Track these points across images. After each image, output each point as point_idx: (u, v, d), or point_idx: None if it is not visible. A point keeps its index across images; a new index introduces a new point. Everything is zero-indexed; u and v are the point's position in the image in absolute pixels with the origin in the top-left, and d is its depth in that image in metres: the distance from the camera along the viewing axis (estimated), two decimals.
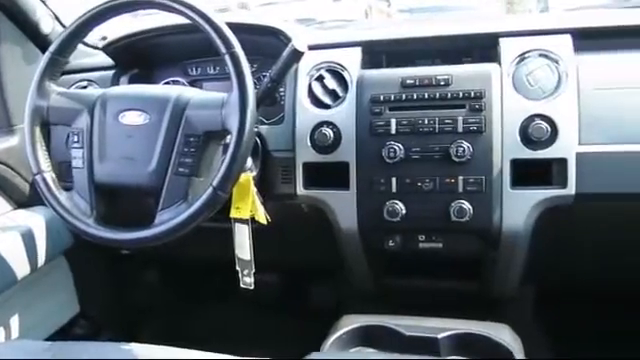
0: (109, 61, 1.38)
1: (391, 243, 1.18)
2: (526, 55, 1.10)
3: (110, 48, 1.33)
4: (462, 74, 1.11)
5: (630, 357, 1.42)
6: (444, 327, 0.98)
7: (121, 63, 1.37)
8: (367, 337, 1.02)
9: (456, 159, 1.08)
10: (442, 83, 1.11)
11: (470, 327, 0.98)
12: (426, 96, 1.11)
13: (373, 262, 1.24)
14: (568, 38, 1.11)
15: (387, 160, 1.11)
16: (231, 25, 0.98)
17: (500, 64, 1.11)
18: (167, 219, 0.96)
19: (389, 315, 1.06)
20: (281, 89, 1.22)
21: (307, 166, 1.18)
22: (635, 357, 1.42)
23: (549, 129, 1.05)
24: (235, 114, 0.93)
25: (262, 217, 1.11)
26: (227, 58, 0.95)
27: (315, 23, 1.91)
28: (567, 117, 1.06)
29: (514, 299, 1.30)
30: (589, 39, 1.12)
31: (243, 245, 1.12)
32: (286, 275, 1.69)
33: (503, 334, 0.97)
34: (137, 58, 1.36)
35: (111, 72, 1.36)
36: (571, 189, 1.06)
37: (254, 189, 1.09)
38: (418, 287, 1.31)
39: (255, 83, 1.21)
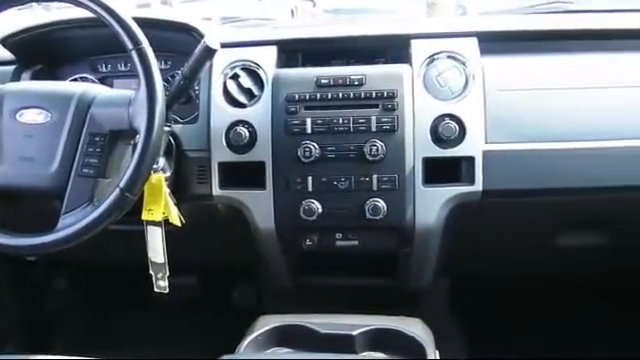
0: (10, 56, 1.30)
1: (308, 242, 1.18)
2: (435, 57, 1.14)
3: (9, 41, 1.25)
4: (375, 74, 1.13)
5: (537, 346, 1.51)
6: (359, 324, 0.99)
7: (23, 58, 1.28)
8: (283, 337, 1.01)
9: (370, 158, 1.09)
10: (356, 83, 1.12)
11: (384, 322, 1.00)
12: (340, 95, 1.12)
13: (291, 261, 1.24)
14: (474, 41, 1.15)
15: (303, 159, 1.11)
16: (141, 20, 0.95)
17: (411, 65, 1.14)
18: (71, 223, 0.91)
19: (306, 314, 1.06)
20: (196, 87, 1.20)
21: (223, 166, 1.15)
22: (542, 345, 1.51)
23: (457, 128, 1.09)
24: (143, 112, 0.90)
25: (176, 219, 1.08)
26: (134, 54, 0.92)
27: (239, 21, 1.88)
28: (474, 117, 1.10)
29: (429, 293, 1.34)
30: (493, 42, 1.17)
31: (156, 248, 1.09)
32: (205, 277, 1.66)
33: (415, 328, 0.99)
34: (41, 53, 1.29)
35: (12, 67, 1.28)
36: (478, 186, 1.11)
37: (167, 190, 1.06)
38: (337, 285, 1.33)
39: (168, 81, 1.19)
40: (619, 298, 1.59)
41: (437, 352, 0.97)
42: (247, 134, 1.13)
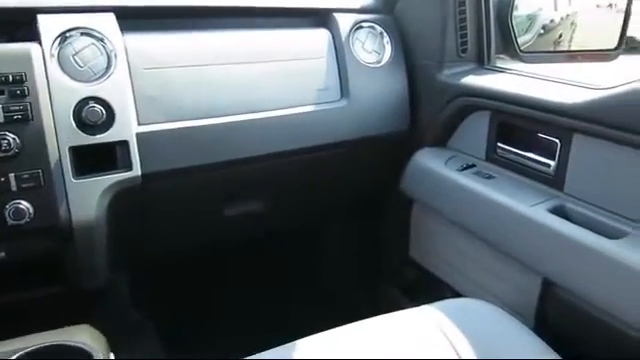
0: None
1: None
2: (68, 34, 1.02)
3: None
4: None
5: (225, 318, 1.57)
6: (12, 349, 0.85)
7: None
8: None
9: (2, 154, 0.94)
10: None
11: (45, 339, 0.88)
12: None
13: None
14: (111, 17, 1.08)
15: None
16: None
17: (41, 44, 1.00)
18: None
19: None
20: None
21: None
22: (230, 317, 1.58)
23: (104, 112, 1.01)
24: None
25: None
26: None
27: None
28: (122, 98, 1.04)
29: (108, 291, 1.25)
30: (134, 19, 1.11)
31: None
32: None
33: (81, 336, 0.90)
34: None
35: None
36: (137, 171, 1.05)
37: None
38: None
39: None
40: (283, 255, 1.77)
41: (112, 354, 0.90)
42: None
